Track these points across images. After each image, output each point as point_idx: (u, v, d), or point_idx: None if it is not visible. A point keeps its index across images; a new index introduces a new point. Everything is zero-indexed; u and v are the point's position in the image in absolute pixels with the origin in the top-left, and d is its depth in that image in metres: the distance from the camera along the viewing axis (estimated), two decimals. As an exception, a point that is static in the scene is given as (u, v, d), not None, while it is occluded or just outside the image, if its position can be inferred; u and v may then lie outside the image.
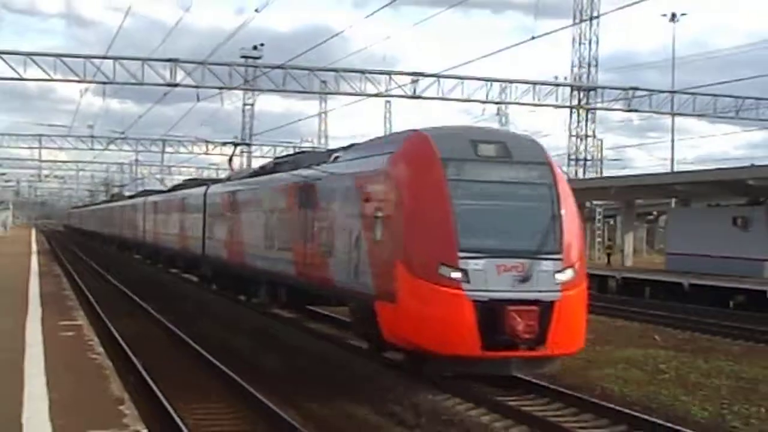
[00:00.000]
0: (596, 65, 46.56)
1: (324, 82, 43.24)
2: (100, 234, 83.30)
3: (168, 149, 74.42)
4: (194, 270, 39.29)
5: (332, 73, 42.38)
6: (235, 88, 45.75)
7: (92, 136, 71.25)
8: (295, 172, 22.85)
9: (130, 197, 72.00)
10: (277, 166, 27.66)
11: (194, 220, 36.85)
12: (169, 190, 53.68)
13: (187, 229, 38.81)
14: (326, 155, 23.06)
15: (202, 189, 36.79)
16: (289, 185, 22.98)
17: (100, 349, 16.00)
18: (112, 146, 72.11)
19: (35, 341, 15.48)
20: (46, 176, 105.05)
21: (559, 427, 12.66)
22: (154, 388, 13.97)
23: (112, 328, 20.83)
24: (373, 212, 15.67)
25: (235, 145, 33.99)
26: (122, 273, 42.15)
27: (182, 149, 74.56)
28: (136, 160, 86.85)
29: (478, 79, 42.01)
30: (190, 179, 55.22)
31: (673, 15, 48.64)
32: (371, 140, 21.23)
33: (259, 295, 26.63)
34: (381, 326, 15.06)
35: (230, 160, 37.94)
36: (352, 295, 17.03)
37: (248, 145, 43.03)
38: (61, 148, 75.47)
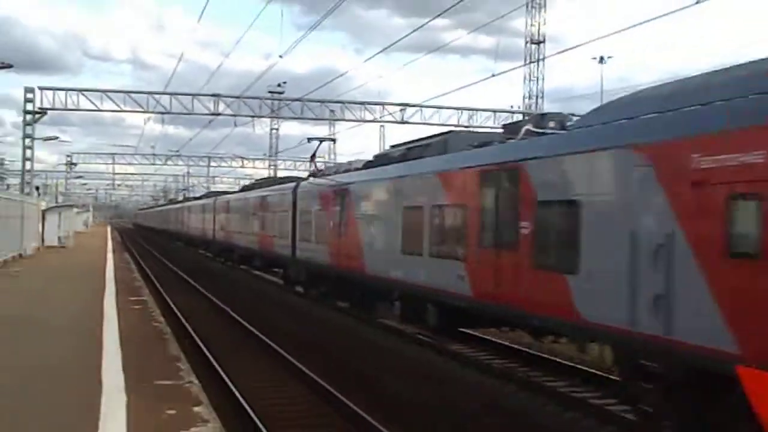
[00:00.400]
0: (542, 97, 46.50)
1: (332, 111, 43.11)
2: (166, 231, 78.20)
3: (212, 164, 75.10)
4: (274, 269, 31.42)
5: (338, 104, 42.41)
6: (263, 116, 45.71)
7: (153, 154, 72.58)
8: (481, 151, 13.78)
9: (197, 198, 63.55)
10: (413, 151, 17.51)
11: (280, 218, 27.97)
12: (241, 190, 44.70)
13: (270, 228, 29.59)
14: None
15: (289, 185, 27.87)
16: (474, 171, 13.36)
17: (161, 319, 16.06)
18: (168, 162, 73.26)
19: (111, 312, 15.46)
20: (118, 185, 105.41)
21: None
22: (204, 348, 14.01)
23: (171, 303, 20.76)
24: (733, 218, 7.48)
25: (321, 140, 26.74)
26: (179, 261, 41.99)
27: (223, 164, 75.30)
28: (188, 173, 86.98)
29: (452, 108, 42.08)
30: (262, 179, 44.38)
31: (601, 58, 48.48)
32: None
33: (385, 309, 18.14)
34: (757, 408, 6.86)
35: (313, 157, 29.18)
36: (664, 346, 8.07)
37: (333, 140, 38.16)
38: (129, 164, 75.99)
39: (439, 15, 21.66)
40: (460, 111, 42.12)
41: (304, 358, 12.96)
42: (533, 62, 45.41)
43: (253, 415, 9.42)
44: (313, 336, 16.54)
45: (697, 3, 14.51)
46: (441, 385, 11.68)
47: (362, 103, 42.75)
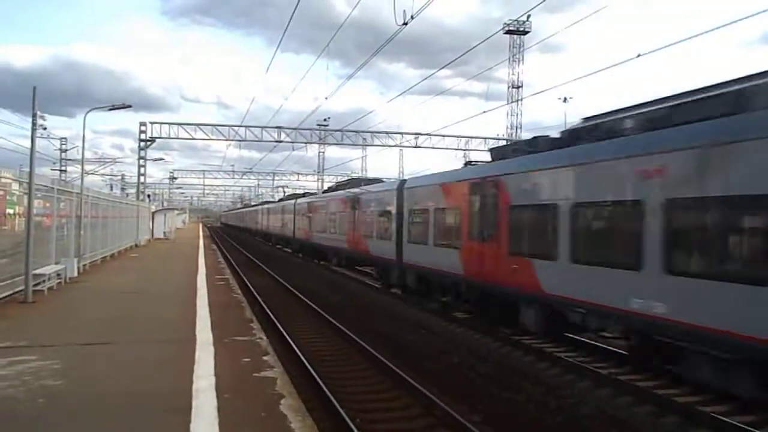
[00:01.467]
0: (521, 128, 46.13)
1: (364, 138, 43.18)
2: (248, 229, 70.01)
3: (276, 178, 75.98)
4: (360, 266, 25.39)
5: (368, 133, 42.57)
6: (313, 143, 45.80)
7: (233, 171, 73.62)
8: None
9: (278, 201, 53.16)
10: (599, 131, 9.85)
11: (379, 220, 20.33)
12: (326, 191, 36.23)
13: (363, 229, 22.19)
14: None
15: (392, 185, 20.23)
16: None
17: (239, 291, 16.18)
18: (244, 177, 74.19)
19: (202, 287, 15.60)
20: (207, 194, 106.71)
21: None
22: (270, 314, 14.09)
23: (246, 281, 20.81)
24: None
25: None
26: (255, 251, 42.24)
27: (284, 178, 76.10)
28: (258, 185, 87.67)
29: (453, 136, 42.03)
30: (343, 181, 33.21)
31: (565, 98, 48.07)
32: None
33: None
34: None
35: None
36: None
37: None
38: (215, 178, 77.16)
39: (442, 67, 21.94)
40: (460, 138, 42.27)
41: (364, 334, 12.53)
42: (514, 102, 45.07)
43: (303, 359, 9.54)
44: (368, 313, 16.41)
45: (638, 56, 14.41)
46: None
47: (386, 133, 42.76)
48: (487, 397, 8.30)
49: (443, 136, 41.64)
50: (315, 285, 20.95)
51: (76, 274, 16.93)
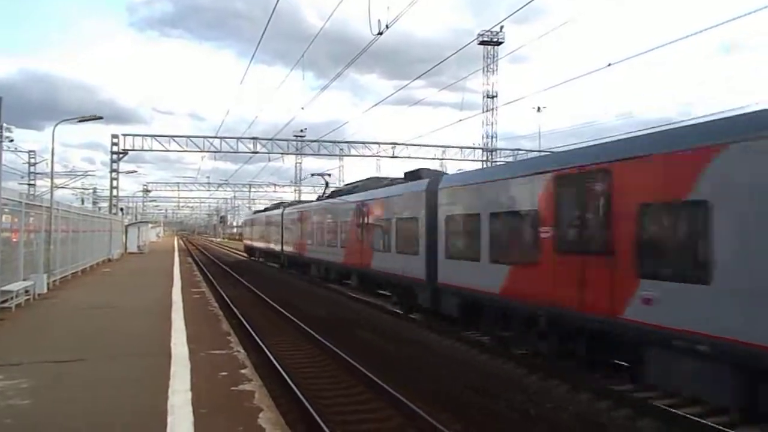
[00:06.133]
0: (496, 137, 46.50)
1: (341, 149, 43.19)
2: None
3: (252, 190, 75.19)
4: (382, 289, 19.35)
5: (345, 143, 42.62)
6: (290, 153, 45.56)
7: (208, 183, 72.62)
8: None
9: (263, 210, 47.31)
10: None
11: (396, 228, 16.59)
12: (319, 198, 29.79)
13: (372, 238, 18.46)
14: None
15: (416, 184, 15.76)
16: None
17: (216, 304, 15.92)
18: (219, 188, 73.21)
19: (178, 300, 15.36)
20: (182, 206, 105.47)
21: None
22: (248, 326, 13.91)
23: (223, 293, 20.55)
24: None
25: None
26: (228, 262, 41.72)
27: (260, 190, 75.36)
28: (234, 197, 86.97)
29: (430, 145, 42.32)
30: (358, 181, 24.46)
31: (539, 107, 48.73)
32: None
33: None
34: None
35: None
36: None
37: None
38: (190, 190, 75.94)
39: (415, 79, 21.71)
40: (436, 148, 42.63)
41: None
42: (488, 111, 45.51)
43: (281, 369, 9.38)
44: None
45: (608, 65, 14.71)
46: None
47: (363, 143, 42.81)
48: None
49: (420, 145, 41.95)
50: (303, 301, 20.64)
51: (45, 290, 16.50)
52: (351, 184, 25.47)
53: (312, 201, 33.03)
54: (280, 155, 43.83)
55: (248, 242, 49.29)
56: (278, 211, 35.66)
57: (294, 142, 43.53)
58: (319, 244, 25.08)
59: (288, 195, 69.61)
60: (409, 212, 15.91)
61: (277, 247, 34.68)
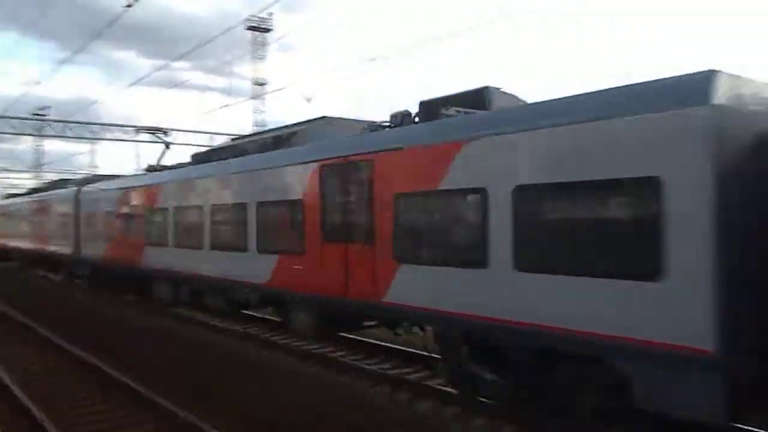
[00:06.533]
0: (266, 125, 46.45)
1: (93, 131, 38.59)
2: None
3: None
4: None
5: (99, 126, 38.12)
6: (27, 134, 39.30)
7: None
8: None
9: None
10: None
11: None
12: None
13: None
14: None
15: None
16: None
17: None
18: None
19: None
20: None
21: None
22: None
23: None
24: None
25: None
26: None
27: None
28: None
29: (197, 131, 39.89)
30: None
31: (309, 98, 50.11)
32: None
33: None
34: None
35: None
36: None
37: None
38: None
39: (180, 59, 20.32)
40: (204, 133, 40.57)
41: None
42: (256, 98, 45.04)
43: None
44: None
45: (372, 60, 15.43)
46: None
47: (120, 126, 38.75)
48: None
49: (185, 131, 39.49)
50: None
51: None
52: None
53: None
54: (12, 135, 37.55)
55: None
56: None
57: (33, 122, 37.60)
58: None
59: (28, 182, 60.09)
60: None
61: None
